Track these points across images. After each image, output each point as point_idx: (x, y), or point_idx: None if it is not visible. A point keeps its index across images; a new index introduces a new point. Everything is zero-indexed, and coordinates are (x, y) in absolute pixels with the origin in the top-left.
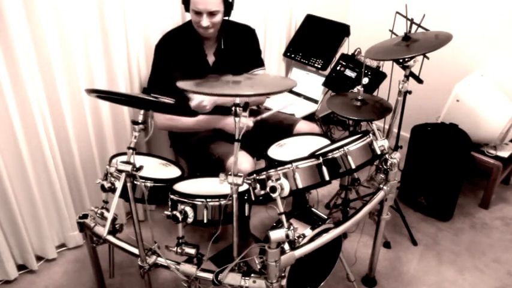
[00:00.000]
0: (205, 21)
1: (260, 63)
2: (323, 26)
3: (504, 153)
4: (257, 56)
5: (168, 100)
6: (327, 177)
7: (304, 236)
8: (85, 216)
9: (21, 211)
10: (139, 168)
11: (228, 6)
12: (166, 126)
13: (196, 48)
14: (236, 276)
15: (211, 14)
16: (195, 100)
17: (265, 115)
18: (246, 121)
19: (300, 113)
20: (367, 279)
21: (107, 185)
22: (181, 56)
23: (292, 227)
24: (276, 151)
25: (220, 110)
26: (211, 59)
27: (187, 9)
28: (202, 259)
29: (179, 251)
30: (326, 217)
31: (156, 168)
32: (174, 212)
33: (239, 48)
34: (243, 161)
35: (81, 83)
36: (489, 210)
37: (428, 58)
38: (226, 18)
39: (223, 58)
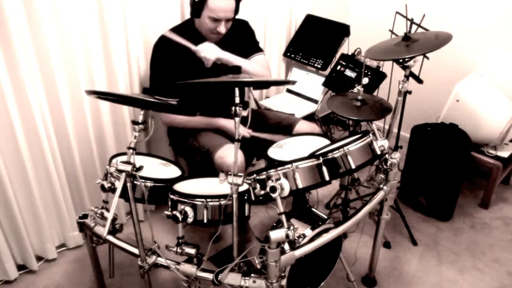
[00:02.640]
0: (223, 28)
1: (258, 49)
2: (323, 26)
3: (504, 153)
4: (254, 43)
5: (172, 102)
6: (327, 177)
7: (304, 236)
8: (85, 216)
9: (22, 211)
10: (139, 168)
11: (236, 11)
12: (168, 123)
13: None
14: (236, 276)
15: (228, 20)
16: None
17: (263, 136)
18: (243, 132)
19: (300, 113)
20: (367, 279)
21: (107, 185)
22: (179, 54)
23: (292, 227)
24: (276, 151)
25: (223, 111)
26: None
27: (198, 15)
28: (202, 259)
29: (179, 251)
30: (326, 217)
31: (156, 168)
32: (174, 212)
33: (236, 42)
34: (232, 154)
35: (81, 83)
36: (489, 210)
37: (428, 58)
38: None
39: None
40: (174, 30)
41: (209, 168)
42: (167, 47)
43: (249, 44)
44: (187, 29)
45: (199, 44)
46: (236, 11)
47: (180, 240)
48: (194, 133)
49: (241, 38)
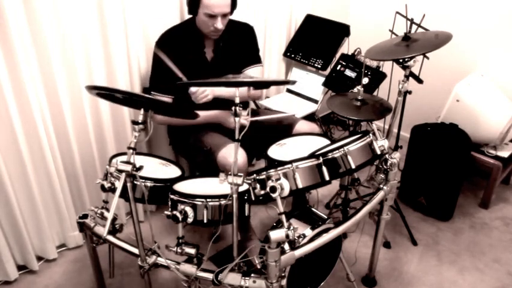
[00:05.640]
0: (220, 24)
1: (257, 60)
2: (323, 26)
3: (504, 153)
4: (254, 53)
5: (167, 99)
6: (327, 177)
7: (304, 236)
8: (85, 216)
9: (22, 211)
10: (139, 168)
11: (233, 6)
12: (163, 122)
13: (196, 45)
14: (236, 276)
15: (224, 16)
16: (195, 87)
17: (262, 118)
18: (242, 121)
19: (300, 113)
20: (367, 279)
21: (107, 185)
22: (180, 53)
23: (292, 227)
24: (276, 151)
25: (219, 104)
26: (209, 55)
27: (195, 12)
28: (202, 259)
29: (179, 251)
30: (326, 217)
31: (156, 168)
32: (174, 212)
33: (237, 45)
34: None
35: (81, 83)
36: (489, 210)
37: (428, 58)
38: None
39: (221, 55)
40: (174, 28)
41: (210, 167)
42: (169, 44)
43: (249, 52)
44: (186, 28)
45: (198, 40)
46: (233, 5)
47: (180, 240)
48: (196, 132)
49: (242, 43)
